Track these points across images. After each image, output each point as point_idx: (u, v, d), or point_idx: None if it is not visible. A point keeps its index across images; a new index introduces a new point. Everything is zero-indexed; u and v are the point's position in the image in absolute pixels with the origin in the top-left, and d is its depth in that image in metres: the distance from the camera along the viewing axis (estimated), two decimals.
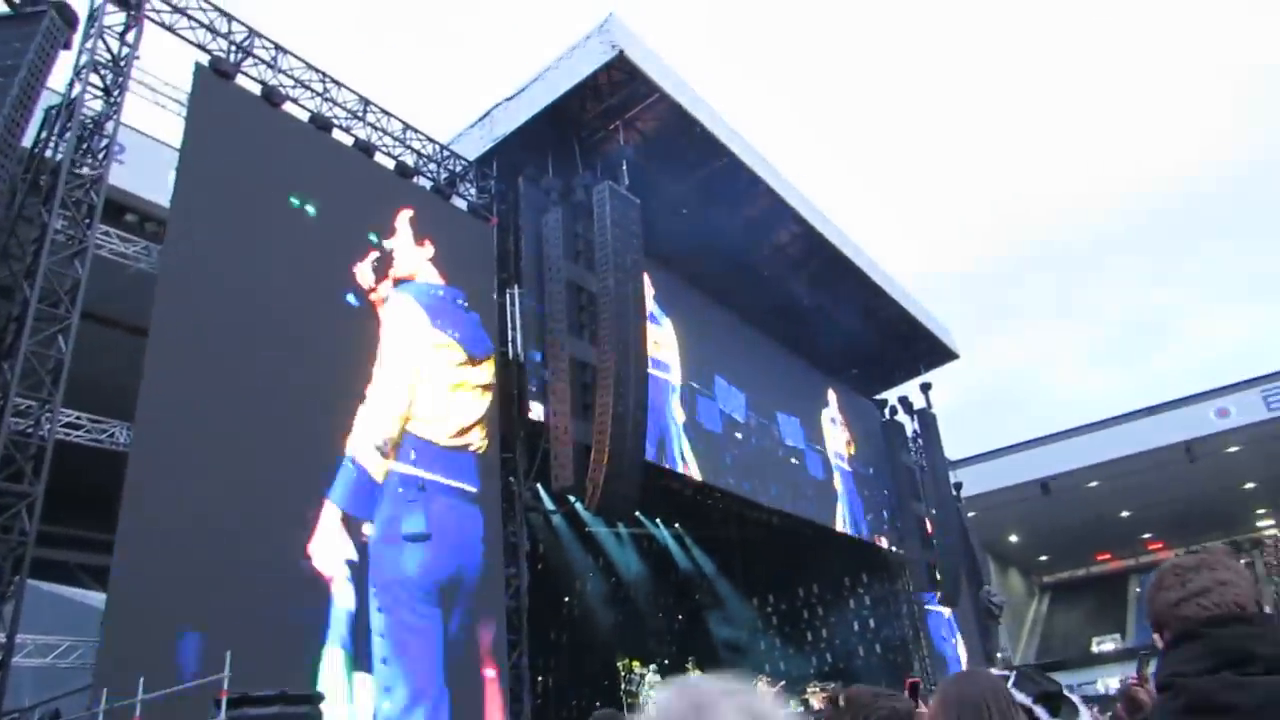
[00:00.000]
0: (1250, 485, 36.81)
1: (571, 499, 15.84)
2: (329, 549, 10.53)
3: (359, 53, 50.97)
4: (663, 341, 17.58)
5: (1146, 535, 41.71)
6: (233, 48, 12.10)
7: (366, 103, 13.98)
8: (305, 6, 47.24)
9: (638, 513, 19.19)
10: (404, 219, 13.44)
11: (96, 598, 10.03)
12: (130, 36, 10.65)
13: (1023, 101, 66.31)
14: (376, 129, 14.06)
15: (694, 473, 17.81)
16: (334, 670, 10.17)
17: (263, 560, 9.88)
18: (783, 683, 20.11)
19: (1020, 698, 2.16)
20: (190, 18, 11.68)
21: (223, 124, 11.44)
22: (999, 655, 28.12)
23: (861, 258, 22.51)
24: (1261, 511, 40.27)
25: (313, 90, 13.16)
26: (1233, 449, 32.68)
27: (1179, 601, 1.62)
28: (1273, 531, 40.32)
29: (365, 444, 11.42)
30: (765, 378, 22.21)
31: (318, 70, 13.29)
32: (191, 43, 11.63)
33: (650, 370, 15.02)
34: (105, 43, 10.41)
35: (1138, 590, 38.60)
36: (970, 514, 30.80)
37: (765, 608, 27.66)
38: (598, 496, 13.54)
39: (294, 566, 10.13)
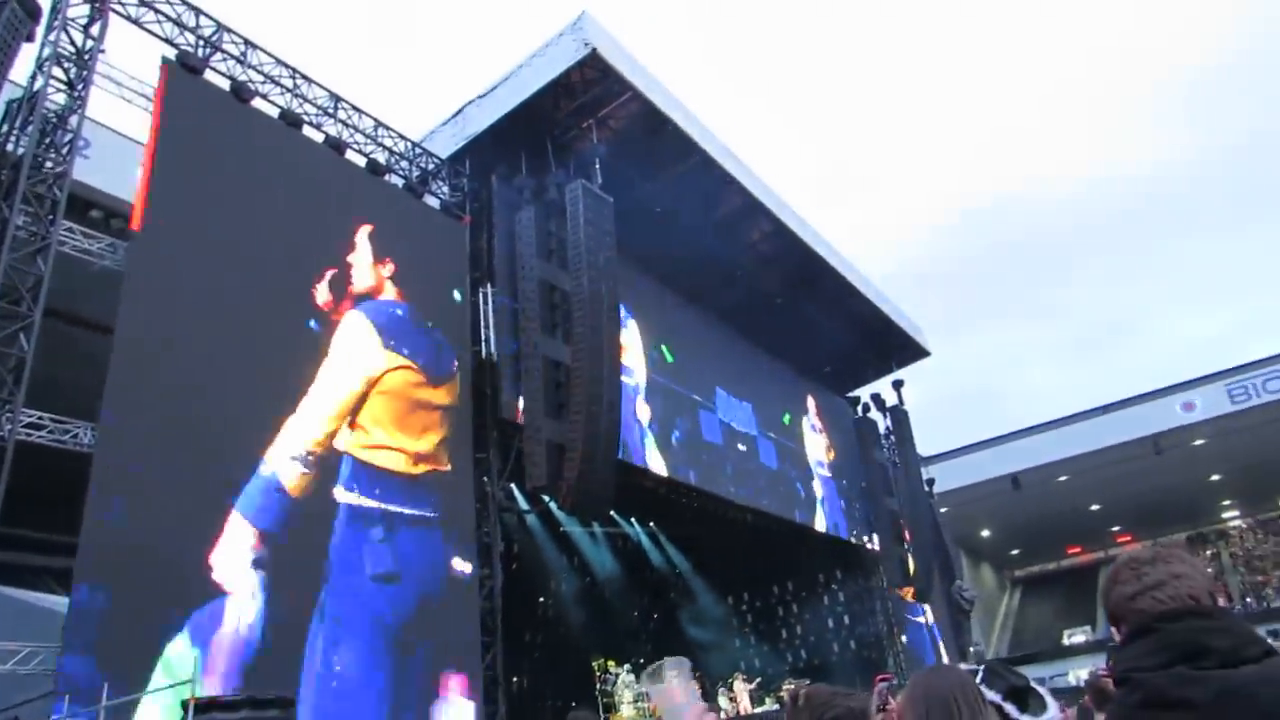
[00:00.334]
0: (1216, 477, 37.56)
1: (545, 498, 15.79)
2: (231, 559, 9.90)
3: (330, 49, 50.41)
4: (627, 344, 17.01)
5: (1116, 528, 42.39)
6: (201, 42, 11.91)
7: (337, 99, 13.83)
8: (275, 2, 46.65)
9: (612, 511, 19.19)
10: (364, 235, 13.07)
11: (59, 601, 9.80)
12: (95, 29, 10.45)
13: (992, 103, 67.25)
14: (348, 126, 13.91)
15: (660, 470, 17.75)
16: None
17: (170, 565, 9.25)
18: (758, 680, 20.19)
19: (990, 695, 2.16)
20: (157, 11, 11.48)
21: (191, 119, 11.23)
22: (971, 650, 28.40)
23: (834, 256, 22.62)
24: (1227, 503, 41.12)
25: (283, 86, 12.98)
26: (1198, 442, 33.31)
27: (1134, 595, 1.62)
28: (1238, 523, 41.13)
29: (282, 455, 10.84)
30: (735, 370, 22.16)
31: (288, 66, 13.12)
32: (159, 37, 11.43)
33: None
34: (69, 35, 10.21)
35: None
36: (942, 510, 31.10)
37: (740, 605, 27.75)
38: (572, 495, 13.51)
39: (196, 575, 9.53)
